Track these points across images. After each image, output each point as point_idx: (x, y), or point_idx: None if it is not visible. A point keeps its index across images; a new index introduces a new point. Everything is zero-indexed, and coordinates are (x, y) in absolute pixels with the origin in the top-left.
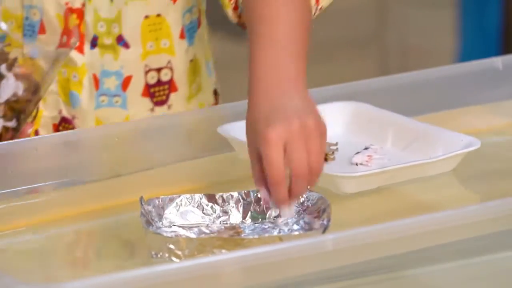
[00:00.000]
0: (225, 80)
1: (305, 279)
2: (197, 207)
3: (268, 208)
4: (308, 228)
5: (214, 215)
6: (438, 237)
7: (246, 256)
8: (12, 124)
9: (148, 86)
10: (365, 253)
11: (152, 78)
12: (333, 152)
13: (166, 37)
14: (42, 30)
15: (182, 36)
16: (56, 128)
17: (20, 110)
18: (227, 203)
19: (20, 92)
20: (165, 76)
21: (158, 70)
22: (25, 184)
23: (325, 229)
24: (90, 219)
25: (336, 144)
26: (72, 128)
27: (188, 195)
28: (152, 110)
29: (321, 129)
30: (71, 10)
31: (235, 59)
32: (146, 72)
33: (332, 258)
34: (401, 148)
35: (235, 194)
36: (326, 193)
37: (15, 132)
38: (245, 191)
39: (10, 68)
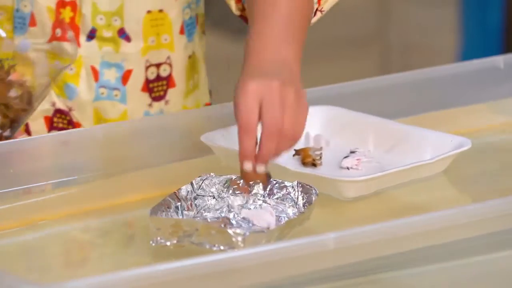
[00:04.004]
0: (222, 80)
1: (305, 279)
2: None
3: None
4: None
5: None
6: (435, 237)
7: (246, 255)
8: (6, 133)
9: (147, 81)
10: (366, 252)
11: (152, 73)
12: (320, 157)
13: (167, 32)
14: (33, 22)
15: (182, 31)
16: (50, 120)
17: (15, 119)
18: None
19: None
20: (164, 71)
21: (158, 65)
22: (25, 183)
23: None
24: (89, 218)
25: (321, 149)
26: (69, 120)
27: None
28: (150, 105)
29: (302, 103)
30: (63, 3)
31: (232, 58)
32: (147, 68)
33: (332, 257)
34: (384, 151)
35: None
36: (322, 196)
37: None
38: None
39: (6, 75)
